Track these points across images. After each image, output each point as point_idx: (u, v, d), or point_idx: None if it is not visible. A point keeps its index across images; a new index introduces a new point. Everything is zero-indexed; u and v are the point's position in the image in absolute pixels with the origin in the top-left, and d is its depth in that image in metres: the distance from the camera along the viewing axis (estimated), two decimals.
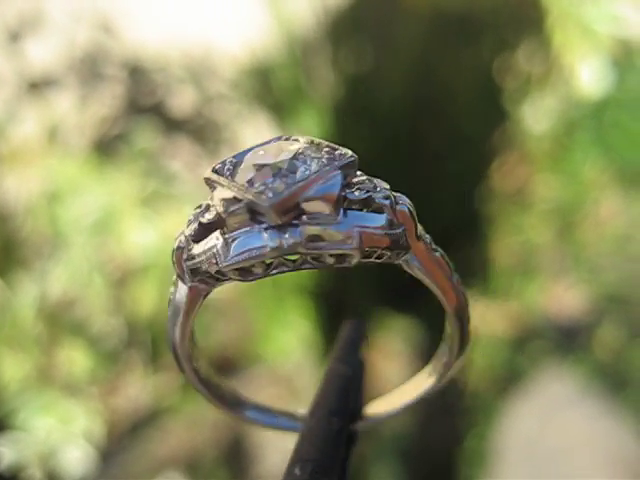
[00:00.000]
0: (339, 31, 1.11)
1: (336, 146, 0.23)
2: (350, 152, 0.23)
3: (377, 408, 0.32)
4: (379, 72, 1.08)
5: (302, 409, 0.32)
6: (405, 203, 0.24)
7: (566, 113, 1.22)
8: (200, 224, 0.23)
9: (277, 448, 1.04)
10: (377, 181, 0.24)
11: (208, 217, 0.23)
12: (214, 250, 0.23)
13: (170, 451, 1.02)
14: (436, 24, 1.05)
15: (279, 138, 0.24)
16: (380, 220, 0.23)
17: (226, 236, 0.22)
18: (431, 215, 1.10)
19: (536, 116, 1.20)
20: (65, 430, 0.89)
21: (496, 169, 1.22)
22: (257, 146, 0.24)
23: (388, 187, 0.24)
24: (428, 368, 0.30)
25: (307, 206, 0.22)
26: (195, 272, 0.24)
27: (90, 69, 1.02)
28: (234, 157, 0.23)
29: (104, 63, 1.03)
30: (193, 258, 0.23)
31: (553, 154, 1.28)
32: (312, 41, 1.10)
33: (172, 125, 1.06)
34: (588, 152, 1.29)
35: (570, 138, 1.27)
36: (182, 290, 0.25)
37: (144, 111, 1.05)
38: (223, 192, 0.22)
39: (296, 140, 0.24)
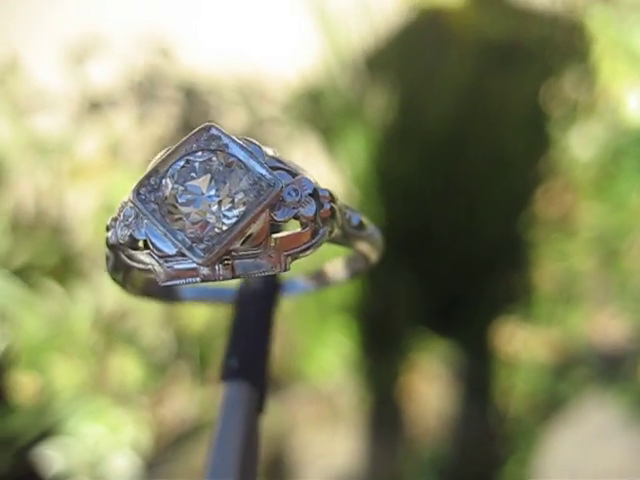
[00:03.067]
0: (389, 56, 1.14)
1: (259, 170, 0.24)
2: (274, 177, 0.24)
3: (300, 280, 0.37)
4: (427, 98, 1.10)
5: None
6: (326, 199, 0.25)
7: (612, 141, 1.22)
8: (131, 236, 0.24)
9: (318, 466, 1.05)
10: (299, 183, 0.24)
11: (141, 237, 0.24)
12: (151, 268, 0.24)
13: None
14: (483, 52, 1.06)
15: (199, 139, 0.24)
16: (306, 236, 0.24)
17: (161, 262, 0.23)
18: (475, 239, 1.11)
19: (582, 143, 1.21)
20: (114, 438, 0.91)
21: (541, 195, 1.22)
22: (179, 158, 0.24)
23: (311, 188, 0.25)
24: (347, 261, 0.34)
25: (238, 249, 0.23)
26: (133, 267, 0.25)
27: (148, 90, 1.05)
28: (156, 176, 0.23)
29: (161, 85, 1.07)
30: (130, 258, 0.24)
31: (598, 182, 1.27)
32: (362, 65, 1.12)
33: None
34: (634, 180, 1.28)
35: (616, 166, 1.27)
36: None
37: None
38: (157, 233, 0.23)
39: (221, 149, 0.24)
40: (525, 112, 1.11)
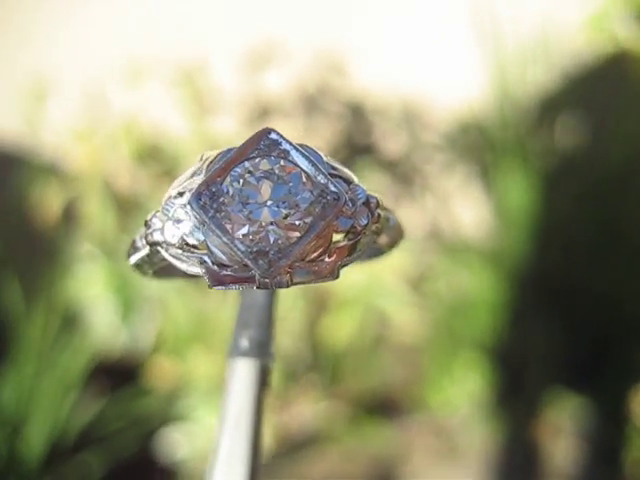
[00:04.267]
0: (562, 97, 1.10)
1: (323, 181, 0.23)
2: (339, 190, 0.23)
3: None
4: (597, 146, 1.06)
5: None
6: (375, 206, 0.25)
7: None
8: (182, 239, 0.23)
9: None
10: (354, 192, 0.24)
11: (194, 242, 0.23)
12: (202, 272, 0.23)
13: (322, 477, 1.04)
14: None
15: (259, 144, 0.23)
16: (357, 245, 0.24)
17: (215, 268, 0.23)
18: (629, 297, 1.06)
19: None
20: None
21: None
22: (239, 164, 0.23)
23: (364, 196, 0.24)
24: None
25: (300, 263, 0.23)
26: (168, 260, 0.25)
27: (316, 103, 1.08)
28: (215, 183, 0.23)
29: (329, 99, 1.09)
30: (175, 257, 0.24)
31: None
32: (533, 103, 1.10)
33: (381, 166, 1.10)
34: None
35: None
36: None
37: (358, 149, 1.10)
38: (214, 240, 0.23)
39: (282, 156, 0.23)
40: None
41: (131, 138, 0.78)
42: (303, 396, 0.98)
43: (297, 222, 0.22)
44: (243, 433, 0.30)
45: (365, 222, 0.24)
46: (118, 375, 0.90)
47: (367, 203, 0.24)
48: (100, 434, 0.90)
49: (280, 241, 0.22)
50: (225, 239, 0.22)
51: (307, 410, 0.99)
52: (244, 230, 0.22)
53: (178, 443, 0.94)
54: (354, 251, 0.24)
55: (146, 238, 0.24)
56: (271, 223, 0.22)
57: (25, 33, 0.97)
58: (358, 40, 1.13)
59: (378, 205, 0.25)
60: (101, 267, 0.78)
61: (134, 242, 0.27)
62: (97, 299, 0.78)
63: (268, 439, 0.95)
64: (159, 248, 0.24)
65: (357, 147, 1.10)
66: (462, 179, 1.13)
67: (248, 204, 0.22)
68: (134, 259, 0.27)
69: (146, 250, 0.25)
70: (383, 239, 0.28)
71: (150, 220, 0.24)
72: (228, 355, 0.31)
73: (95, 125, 0.81)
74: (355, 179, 0.25)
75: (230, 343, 0.32)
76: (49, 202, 0.79)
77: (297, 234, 0.22)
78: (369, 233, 0.25)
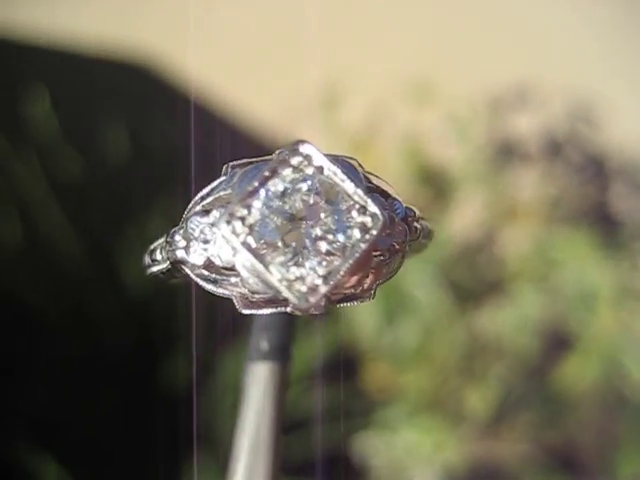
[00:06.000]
0: None
1: (363, 200, 0.21)
2: (379, 210, 0.22)
3: None
4: None
5: None
6: (413, 219, 0.23)
7: None
8: (209, 260, 0.22)
9: None
10: (391, 207, 0.23)
11: (222, 264, 0.22)
12: (232, 295, 0.23)
13: None
14: None
15: (290, 158, 0.21)
16: (395, 263, 0.23)
17: (245, 291, 0.22)
18: None
19: None
20: (433, 454, 0.95)
21: None
22: (267, 182, 0.22)
23: (402, 211, 0.23)
24: None
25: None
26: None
27: (560, 150, 1.09)
28: (243, 204, 0.21)
29: (574, 149, 1.09)
30: (201, 277, 0.23)
31: None
32: None
33: (605, 224, 1.09)
34: None
35: None
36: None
37: (590, 204, 1.10)
38: (246, 266, 0.21)
39: (317, 173, 0.22)
40: None
41: (412, 157, 0.82)
42: (506, 432, 0.98)
43: (335, 245, 0.21)
44: (264, 444, 0.28)
45: (403, 239, 0.23)
46: (343, 370, 0.93)
47: (405, 218, 0.23)
48: (305, 422, 0.94)
49: (317, 267, 0.21)
50: (258, 265, 0.21)
51: (503, 447, 1.00)
52: (278, 255, 0.21)
53: (375, 449, 0.96)
54: (390, 269, 0.23)
55: (168, 255, 0.24)
56: (307, 247, 0.21)
57: (320, 39, 1.03)
58: (613, 93, 1.12)
59: (416, 217, 0.24)
60: None
61: (153, 252, 0.25)
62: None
63: (462, 467, 0.96)
64: (183, 266, 0.24)
65: (589, 201, 1.10)
66: None
67: (281, 226, 0.21)
68: (152, 270, 0.26)
69: (167, 264, 0.24)
70: (414, 246, 0.27)
71: (172, 237, 0.23)
72: (247, 358, 0.30)
73: (375, 137, 0.85)
74: (392, 191, 0.24)
75: (249, 346, 0.31)
76: None
77: (336, 259, 0.21)
78: (407, 249, 0.23)
